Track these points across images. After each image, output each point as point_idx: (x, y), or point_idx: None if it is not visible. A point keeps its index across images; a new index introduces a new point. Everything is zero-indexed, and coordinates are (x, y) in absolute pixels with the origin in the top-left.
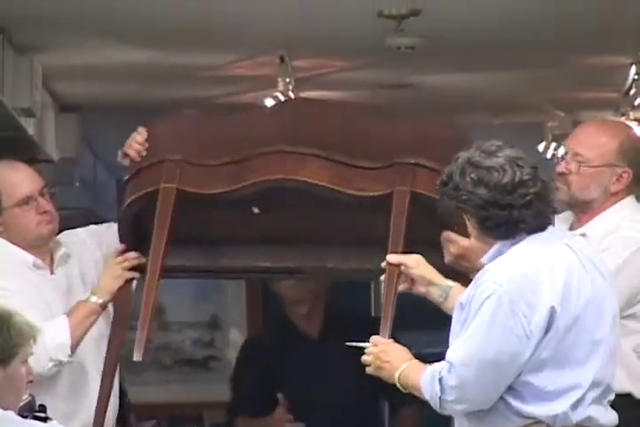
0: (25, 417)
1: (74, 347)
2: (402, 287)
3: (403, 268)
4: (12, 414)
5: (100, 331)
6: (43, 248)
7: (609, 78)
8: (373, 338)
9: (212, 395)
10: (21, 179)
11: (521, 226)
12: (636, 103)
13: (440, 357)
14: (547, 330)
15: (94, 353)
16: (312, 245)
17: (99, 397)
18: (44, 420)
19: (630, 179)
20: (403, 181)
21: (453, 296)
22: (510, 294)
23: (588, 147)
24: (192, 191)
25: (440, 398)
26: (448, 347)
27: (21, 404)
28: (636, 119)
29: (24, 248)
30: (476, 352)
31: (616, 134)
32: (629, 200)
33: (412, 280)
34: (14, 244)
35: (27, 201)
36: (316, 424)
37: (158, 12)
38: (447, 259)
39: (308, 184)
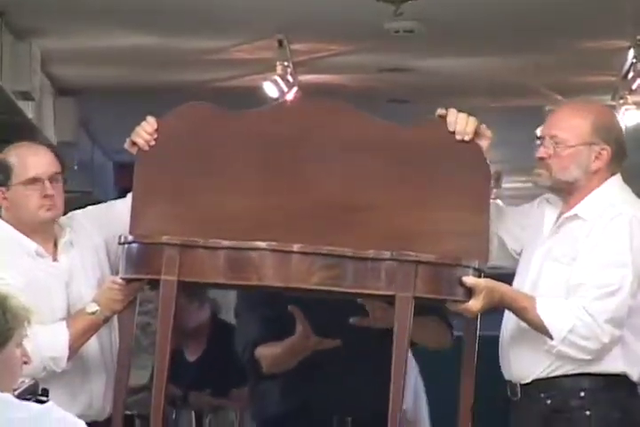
0: (27, 400)
1: (69, 359)
2: None
3: None
4: (9, 396)
5: None
6: (46, 234)
7: (607, 62)
8: None
9: None
10: (35, 161)
11: None
12: (633, 87)
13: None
14: None
15: (94, 339)
16: None
17: (116, 380)
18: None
19: (609, 156)
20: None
21: None
22: None
23: (562, 129)
24: (192, 281)
25: None
26: None
27: (24, 387)
28: (634, 103)
29: (28, 233)
30: None
31: (587, 114)
32: (616, 179)
33: None
34: (18, 227)
35: (33, 182)
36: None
37: None
38: None
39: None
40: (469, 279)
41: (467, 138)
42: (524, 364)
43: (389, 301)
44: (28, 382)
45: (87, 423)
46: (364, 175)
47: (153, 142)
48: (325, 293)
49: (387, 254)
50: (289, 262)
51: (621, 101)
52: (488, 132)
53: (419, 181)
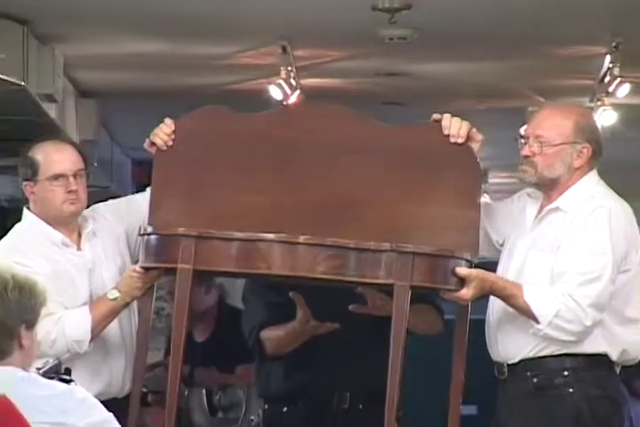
0: (51, 378)
1: (91, 341)
2: None
3: None
4: (36, 375)
5: None
6: (70, 225)
7: (585, 67)
8: None
9: None
10: (60, 158)
11: None
12: (610, 90)
13: None
14: None
15: (115, 323)
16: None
17: (135, 360)
18: (68, 382)
19: (590, 154)
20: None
21: None
22: None
23: (546, 128)
24: (206, 270)
25: None
26: None
27: (49, 366)
28: (610, 104)
29: (53, 224)
30: None
31: (570, 115)
32: (593, 174)
33: None
34: (45, 219)
35: (57, 177)
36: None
37: (171, 6)
38: None
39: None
40: (462, 270)
41: (460, 140)
42: (511, 345)
43: (387, 290)
44: (52, 361)
45: (107, 400)
46: (364, 174)
47: (170, 143)
48: (329, 281)
49: (386, 246)
50: (295, 253)
51: (599, 103)
52: (479, 136)
53: (415, 179)
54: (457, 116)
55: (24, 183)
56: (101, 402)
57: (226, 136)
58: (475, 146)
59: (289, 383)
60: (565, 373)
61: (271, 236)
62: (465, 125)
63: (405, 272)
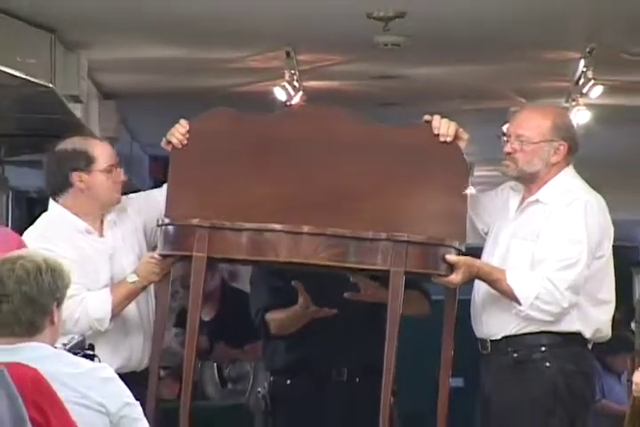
0: (76, 354)
1: (111, 320)
2: None
3: None
4: (65, 352)
5: None
6: (96, 214)
7: (562, 70)
8: None
9: None
10: (111, 152)
11: None
12: (584, 91)
13: None
14: None
15: (134, 304)
16: None
17: (154, 337)
18: (92, 357)
19: (566, 150)
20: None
21: None
22: None
23: (527, 128)
24: (219, 258)
25: None
26: None
27: (74, 342)
28: (584, 104)
29: (79, 214)
30: None
31: (548, 115)
32: (570, 169)
33: None
34: (78, 209)
35: (110, 169)
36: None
37: (185, 15)
38: None
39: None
40: (451, 257)
41: (448, 139)
42: (494, 324)
43: (379, 278)
44: (77, 337)
45: (126, 373)
46: (361, 170)
47: (185, 141)
48: (330, 268)
49: (382, 235)
50: (300, 242)
51: (574, 103)
52: (465, 135)
53: (408, 175)
54: (445, 116)
55: (73, 173)
56: (121, 375)
57: (235, 135)
58: (461, 144)
59: (292, 358)
60: (543, 348)
61: (278, 226)
62: (453, 126)
63: (400, 259)
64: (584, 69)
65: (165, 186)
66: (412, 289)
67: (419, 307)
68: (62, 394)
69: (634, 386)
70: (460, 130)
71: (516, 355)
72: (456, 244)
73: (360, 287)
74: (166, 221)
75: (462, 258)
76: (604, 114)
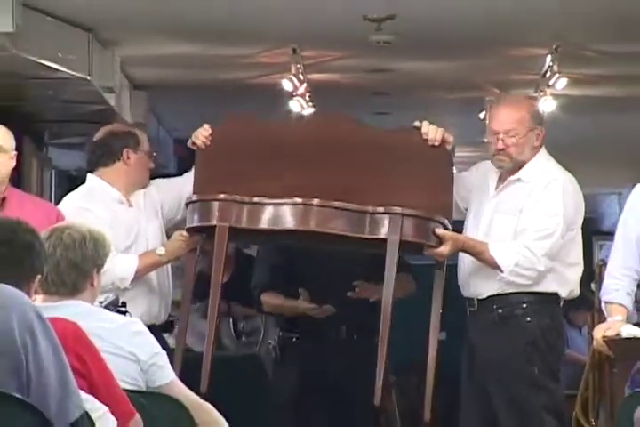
0: (110, 310)
1: (132, 282)
2: None
3: None
4: (102, 309)
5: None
6: (130, 190)
7: (531, 65)
8: None
9: None
10: (148, 140)
11: None
12: (550, 83)
13: None
14: None
15: (154, 272)
16: None
17: (183, 293)
18: (125, 313)
19: (544, 134)
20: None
21: None
22: None
23: (512, 123)
24: (241, 227)
25: None
26: None
27: (109, 300)
28: (551, 94)
29: (116, 186)
30: None
31: (523, 107)
32: (543, 151)
33: None
34: (118, 184)
35: (150, 154)
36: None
37: (206, 17)
38: None
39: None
40: (440, 231)
41: (436, 143)
42: (480, 287)
43: (375, 280)
44: (111, 296)
45: (147, 325)
46: (361, 167)
47: (208, 143)
48: (336, 238)
49: (381, 209)
50: (310, 213)
51: (541, 93)
52: (451, 138)
53: (402, 171)
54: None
55: (125, 149)
56: None
57: (251, 137)
58: (448, 146)
59: (296, 319)
60: (524, 305)
61: (291, 200)
62: (440, 131)
63: (396, 229)
64: (550, 64)
65: (187, 175)
66: (401, 272)
67: (405, 290)
68: (99, 345)
69: (594, 341)
70: (446, 134)
71: (500, 311)
72: (445, 220)
73: (358, 288)
74: (194, 198)
75: (449, 232)
76: (568, 103)
